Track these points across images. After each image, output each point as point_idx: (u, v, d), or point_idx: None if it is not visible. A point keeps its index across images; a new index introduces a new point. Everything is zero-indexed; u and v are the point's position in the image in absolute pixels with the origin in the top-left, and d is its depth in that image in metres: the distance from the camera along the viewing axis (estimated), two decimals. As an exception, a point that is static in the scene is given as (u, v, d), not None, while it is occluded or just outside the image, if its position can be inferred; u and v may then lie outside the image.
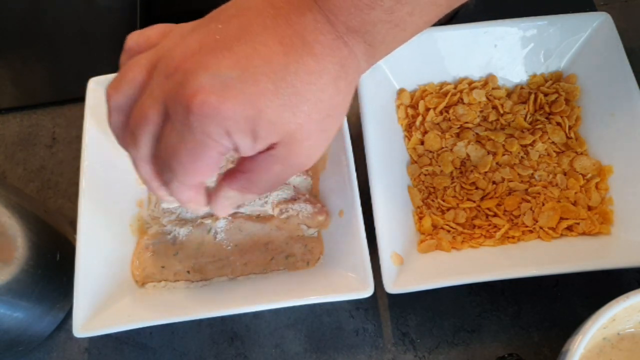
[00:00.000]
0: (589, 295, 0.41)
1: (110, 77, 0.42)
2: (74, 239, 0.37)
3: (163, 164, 0.26)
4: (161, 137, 0.26)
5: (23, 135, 0.49)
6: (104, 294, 0.37)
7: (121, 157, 0.42)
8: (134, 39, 0.28)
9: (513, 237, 0.40)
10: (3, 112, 0.50)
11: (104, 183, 0.40)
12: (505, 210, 0.41)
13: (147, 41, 0.28)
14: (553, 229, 0.40)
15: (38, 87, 0.51)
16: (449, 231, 0.41)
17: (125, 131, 0.27)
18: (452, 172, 0.43)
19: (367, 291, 0.35)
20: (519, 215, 0.41)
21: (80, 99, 0.42)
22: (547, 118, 0.44)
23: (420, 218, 0.41)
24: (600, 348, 0.34)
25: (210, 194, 0.28)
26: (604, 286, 0.41)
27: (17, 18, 0.55)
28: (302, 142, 0.25)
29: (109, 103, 0.27)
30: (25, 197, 0.42)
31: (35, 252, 0.36)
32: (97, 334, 0.35)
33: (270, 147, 0.25)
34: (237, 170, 0.27)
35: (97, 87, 0.42)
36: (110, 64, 0.51)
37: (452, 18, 0.50)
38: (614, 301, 0.32)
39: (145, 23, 0.52)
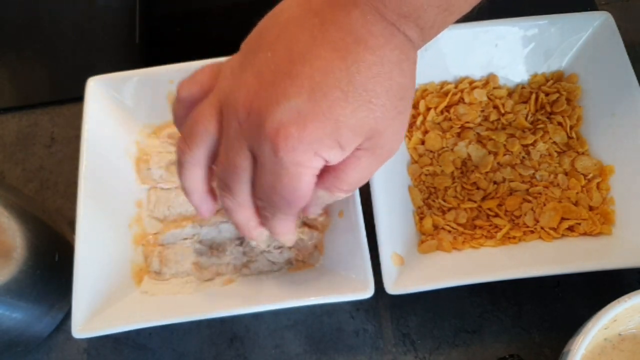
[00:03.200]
0: (590, 295, 0.41)
1: (110, 76, 0.42)
2: (73, 239, 0.37)
3: (265, 203, 0.27)
4: (255, 179, 0.26)
5: (22, 135, 0.49)
6: (103, 294, 0.37)
7: (120, 157, 0.42)
8: (186, 88, 0.28)
9: (514, 238, 0.40)
10: (1, 111, 0.50)
11: (103, 183, 0.40)
12: (506, 211, 0.41)
13: (200, 88, 0.28)
14: (554, 229, 0.40)
15: (37, 87, 0.51)
16: (449, 231, 0.40)
17: (214, 183, 0.28)
18: (453, 172, 0.43)
19: (367, 292, 0.35)
20: (520, 215, 0.41)
21: (79, 98, 0.42)
22: (548, 118, 0.44)
23: (421, 218, 0.41)
24: (601, 349, 0.34)
25: None
26: (605, 287, 0.41)
27: (16, 17, 0.54)
28: (385, 131, 0.26)
29: (184, 159, 0.28)
30: (24, 197, 0.42)
31: (33, 252, 0.36)
32: (96, 334, 0.35)
33: (356, 148, 0.26)
34: (325, 171, 0.27)
35: (96, 87, 0.41)
36: (109, 64, 0.51)
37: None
38: (615, 302, 0.32)
39: (145, 23, 0.52)
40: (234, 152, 0.26)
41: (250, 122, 0.25)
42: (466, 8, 0.26)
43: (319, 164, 0.25)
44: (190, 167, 0.28)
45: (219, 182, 0.28)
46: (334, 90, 0.24)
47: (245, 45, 0.27)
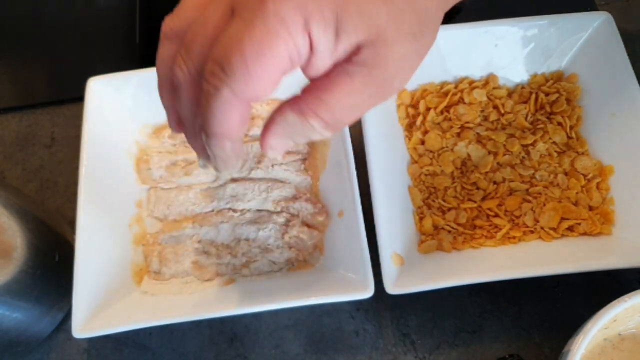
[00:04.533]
0: (590, 295, 0.41)
1: (110, 76, 0.42)
2: (73, 239, 0.37)
3: (214, 66, 0.21)
4: (222, 33, 0.21)
5: (22, 135, 0.49)
6: (103, 294, 0.37)
7: (121, 157, 0.42)
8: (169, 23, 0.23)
9: (514, 238, 0.40)
10: (2, 111, 0.50)
11: (103, 183, 0.40)
12: (506, 211, 0.41)
13: (185, 18, 0.23)
14: (554, 229, 0.40)
15: (37, 87, 0.51)
16: (449, 231, 0.40)
17: (172, 57, 0.23)
18: (452, 172, 0.43)
19: (367, 292, 0.35)
20: (520, 215, 0.41)
21: (79, 98, 0.42)
22: (548, 118, 0.44)
23: (421, 218, 0.41)
24: (601, 349, 0.34)
25: (266, 122, 0.23)
26: (605, 287, 0.41)
27: (16, 17, 0.55)
28: (393, 45, 0.21)
29: (163, 30, 0.23)
30: (24, 197, 0.42)
31: (34, 252, 0.36)
32: (96, 334, 0.35)
33: (352, 54, 0.21)
34: (304, 91, 0.22)
35: (96, 87, 0.41)
36: (109, 64, 0.51)
37: (453, 17, 0.50)
38: (615, 302, 0.32)
39: (145, 23, 0.52)
40: (213, 7, 0.22)
41: None
42: None
43: (301, 42, 0.20)
44: (163, 41, 0.24)
45: (182, 48, 0.23)
46: None
47: None
